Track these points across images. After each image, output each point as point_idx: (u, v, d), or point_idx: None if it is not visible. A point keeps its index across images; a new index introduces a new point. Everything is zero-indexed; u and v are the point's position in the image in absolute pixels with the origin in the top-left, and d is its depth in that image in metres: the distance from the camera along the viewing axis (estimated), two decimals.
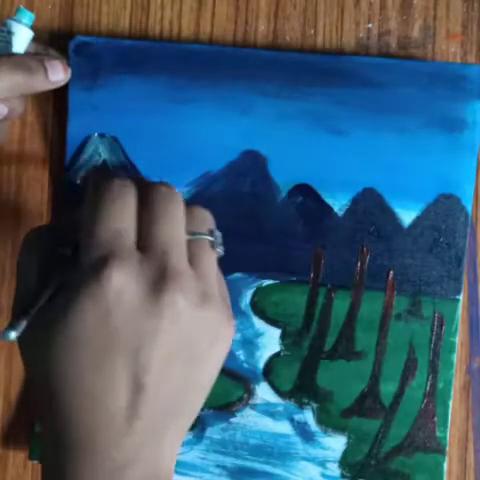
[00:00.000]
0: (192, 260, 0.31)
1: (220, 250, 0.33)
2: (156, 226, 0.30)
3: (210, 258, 0.32)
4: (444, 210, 0.43)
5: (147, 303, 0.29)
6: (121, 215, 0.30)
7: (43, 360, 0.29)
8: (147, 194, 0.31)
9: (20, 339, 0.30)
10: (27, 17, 0.41)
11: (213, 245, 0.32)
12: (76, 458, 0.29)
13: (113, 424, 0.29)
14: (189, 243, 0.31)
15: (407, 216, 0.43)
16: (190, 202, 0.33)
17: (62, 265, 0.31)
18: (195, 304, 0.29)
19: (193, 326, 0.30)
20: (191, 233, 0.32)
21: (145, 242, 0.30)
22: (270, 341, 0.44)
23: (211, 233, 0.33)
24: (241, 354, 0.45)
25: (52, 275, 0.30)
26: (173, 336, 0.29)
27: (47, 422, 0.30)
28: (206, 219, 0.33)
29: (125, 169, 0.44)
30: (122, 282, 0.28)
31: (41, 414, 0.30)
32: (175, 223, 0.31)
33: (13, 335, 0.29)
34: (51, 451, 0.30)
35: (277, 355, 0.45)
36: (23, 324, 0.29)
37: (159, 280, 0.29)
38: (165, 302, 0.29)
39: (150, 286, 0.29)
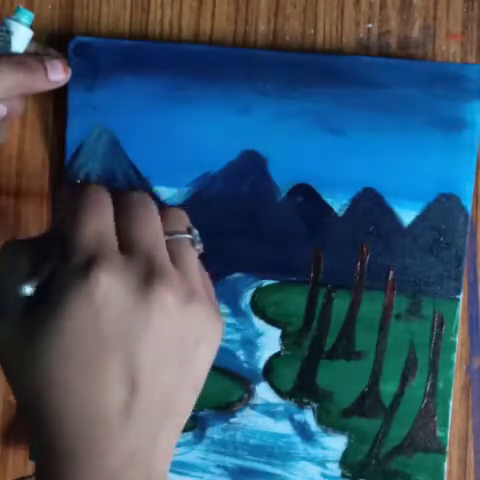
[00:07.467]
0: (174, 259, 0.31)
1: (199, 247, 0.33)
2: (135, 229, 0.30)
3: (191, 255, 0.32)
4: (444, 210, 0.43)
5: (136, 302, 0.28)
6: (101, 217, 0.30)
7: (31, 366, 0.28)
8: (121, 200, 0.31)
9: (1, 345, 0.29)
10: (26, 16, 0.41)
11: (193, 242, 0.32)
12: (69, 466, 0.28)
13: (107, 428, 0.28)
14: (169, 243, 0.31)
15: (407, 216, 0.43)
16: (163, 205, 0.33)
17: (47, 268, 0.30)
18: (183, 301, 0.29)
19: (182, 323, 0.29)
20: (169, 233, 0.32)
21: (126, 245, 0.30)
22: (270, 341, 0.44)
23: (189, 231, 0.33)
24: (241, 354, 0.45)
25: (37, 275, 0.30)
26: (163, 333, 0.29)
27: (38, 429, 0.29)
28: (182, 218, 0.33)
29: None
30: (110, 282, 0.28)
31: (31, 420, 0.29)
32: (152, 225, 0.31)
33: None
34: (44, 459, 0.29)
35: (277, 355, 0.45)
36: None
37: (146, 279, 0.29)
38: (154, 299, 0.29)
39: (138, 285, 0.29)
